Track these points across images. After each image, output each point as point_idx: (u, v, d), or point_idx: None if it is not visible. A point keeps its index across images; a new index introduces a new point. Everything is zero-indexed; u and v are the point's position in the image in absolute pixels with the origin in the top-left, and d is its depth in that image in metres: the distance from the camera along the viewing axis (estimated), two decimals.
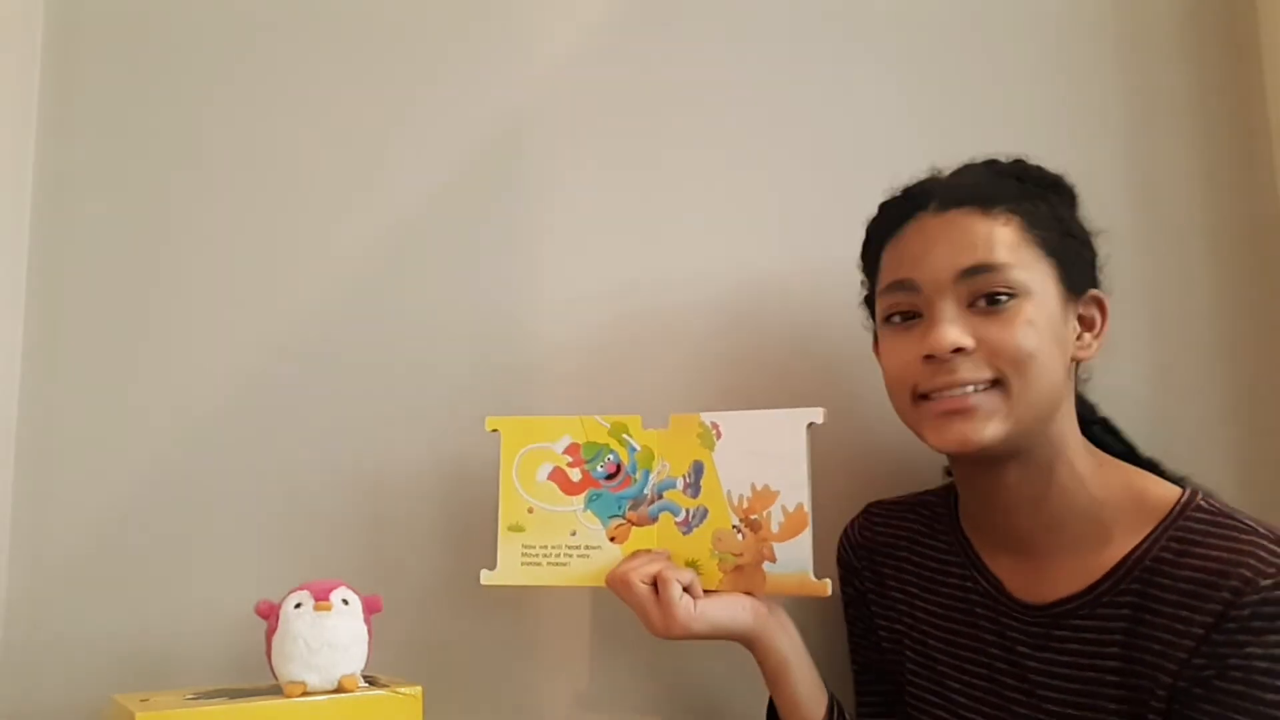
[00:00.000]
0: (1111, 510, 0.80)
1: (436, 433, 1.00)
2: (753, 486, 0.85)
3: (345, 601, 0.81)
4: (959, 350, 0.78)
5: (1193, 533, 0.75)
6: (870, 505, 0.98)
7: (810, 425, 0.84)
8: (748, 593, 0.84)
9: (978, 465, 0.84)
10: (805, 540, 0.83)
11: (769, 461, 0.85)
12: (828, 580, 0.82)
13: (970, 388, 0.78)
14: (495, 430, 0.90)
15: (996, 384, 0.78)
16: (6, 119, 0.96)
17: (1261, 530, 0.73)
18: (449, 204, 1.05)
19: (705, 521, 0.87)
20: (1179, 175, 1.17)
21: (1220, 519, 0.75)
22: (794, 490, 0.84)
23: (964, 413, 0.78)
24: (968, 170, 0.88)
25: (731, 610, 0.83)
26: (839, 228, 0.94)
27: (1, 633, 0.92)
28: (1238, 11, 1.22)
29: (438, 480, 0.95)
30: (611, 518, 0.89)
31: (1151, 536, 0.77)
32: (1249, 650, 0.69)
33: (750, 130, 1.11)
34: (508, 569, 0.88)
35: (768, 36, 1.13)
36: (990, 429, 0.78)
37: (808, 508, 0.83)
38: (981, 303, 0.79)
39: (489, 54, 1.07)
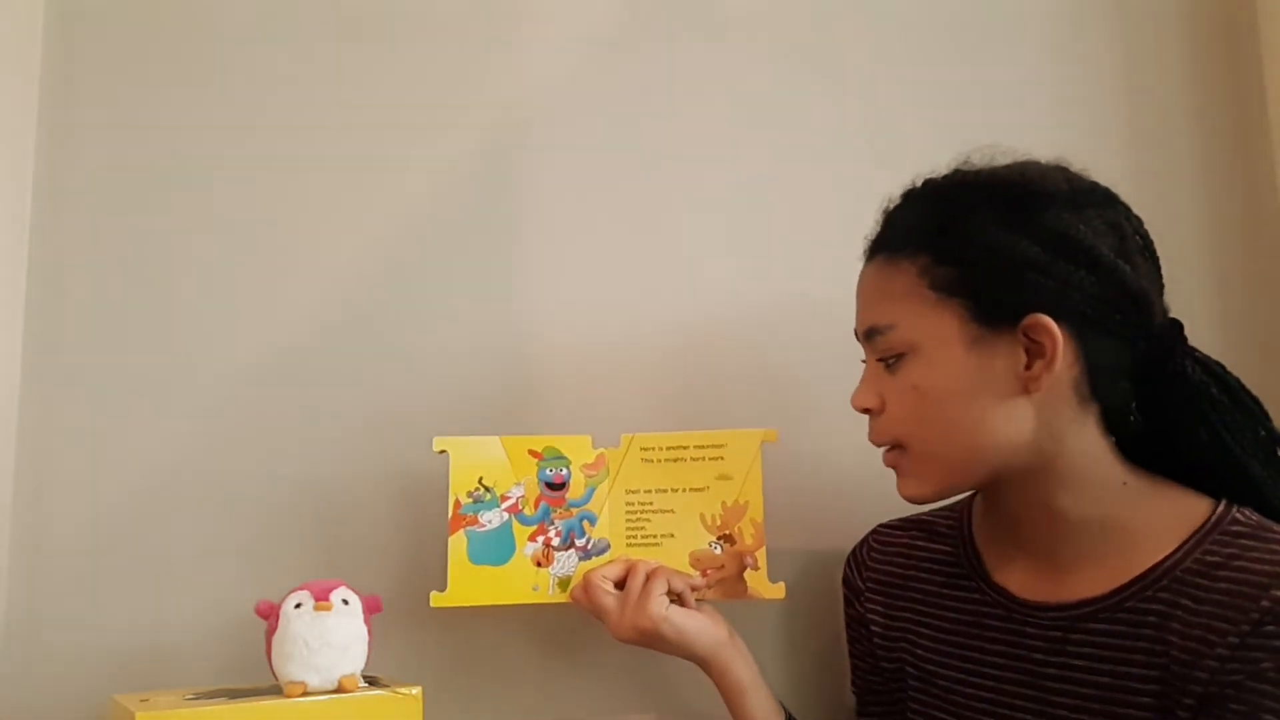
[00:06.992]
0: (1138, 522, 0.78)
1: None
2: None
3: (345, 601, 0.81)
4: (868, 410, 0.82)
5: (1231, 544, 0.74)
6: (879, 526, 0.97)
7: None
8: (731, 599, 0.90)
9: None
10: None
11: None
12: (783, 584, 0.90)
13: (884, 448, 0.82)
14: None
15: (899, 445, 0.81)
16: (6, 119, 0.95)
17: None
18: (445, 208, 1.05)
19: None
20: (1178, 176, 1.17)
21: (1261, 531, 0.74)
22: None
23: (894, 469, 0.82)
24: (903, 203, 0.84)
25: (699, 627, 0.87)
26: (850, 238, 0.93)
27: (2, 632, 0.92)
28: (1238, 11, 1.21)
29: (443, 482, 0.95)
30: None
31: (1185, 547, 0.75)
32: None
33: (750, 139, 1.11)
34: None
35: (766, 46, 1.13)
36: (913, 487, 0.80)
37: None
38: (886, 360, 0.80)
39: (480, 65, 1.07)
